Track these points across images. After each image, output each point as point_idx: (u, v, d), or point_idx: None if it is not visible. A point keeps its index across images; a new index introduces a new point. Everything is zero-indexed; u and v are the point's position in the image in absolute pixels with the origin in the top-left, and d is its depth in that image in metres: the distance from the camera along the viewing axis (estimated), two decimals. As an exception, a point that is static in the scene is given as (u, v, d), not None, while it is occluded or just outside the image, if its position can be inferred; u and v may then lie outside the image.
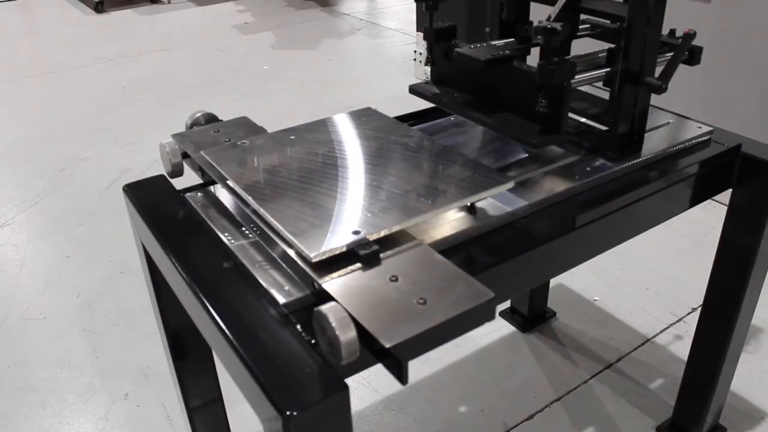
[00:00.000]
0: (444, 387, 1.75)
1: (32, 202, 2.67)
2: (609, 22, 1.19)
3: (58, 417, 1.69)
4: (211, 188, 1.09)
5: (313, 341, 0.76)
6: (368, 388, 1.73)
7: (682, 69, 1.10)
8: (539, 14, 1.07)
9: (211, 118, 1.21)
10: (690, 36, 1.08)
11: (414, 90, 1.27)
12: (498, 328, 1.95)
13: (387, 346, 0.69)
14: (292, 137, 1.10)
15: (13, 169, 2.96)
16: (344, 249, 0.82)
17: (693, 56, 1.14)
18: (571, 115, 1.16)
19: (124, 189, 1.08)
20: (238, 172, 0.99)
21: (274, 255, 0.90)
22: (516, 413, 1.67)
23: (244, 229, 0.97)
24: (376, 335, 0.70)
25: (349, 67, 4.01)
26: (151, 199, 1.05)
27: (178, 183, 1.09)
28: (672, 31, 1.15)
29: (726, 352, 1.39)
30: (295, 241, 0.83)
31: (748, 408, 1.66)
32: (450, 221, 0.96)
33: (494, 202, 0.99)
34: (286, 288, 0.84)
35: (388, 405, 1.69)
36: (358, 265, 0.82)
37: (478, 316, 0.75)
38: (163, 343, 1.22)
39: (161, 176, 1.11)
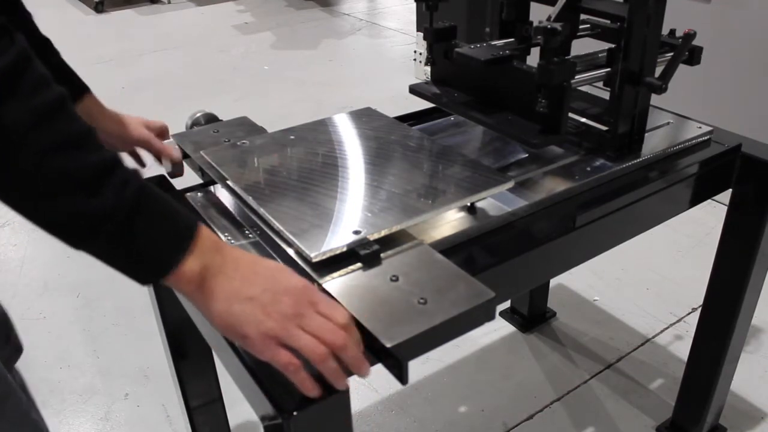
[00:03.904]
0: (444, 387, 1.75)
1: (32, 202, 2.66)
2: (609, 22, 1.19)
3: (58, 417, 1.69)
4: (211, 188, 1.09)
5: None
6: (368, 388, 1.73)
7: (682, 69, 1.10)
8: (539, 14, 1.07)
9: (211, 118, 1.21)
10: (690, 36, 1.08)
11: (414, 90, 1.27)
12: (498, 328, 1.95)
13: (388, 345, 0.69)
14: (292, 137, 1.10)
15: (13, 169, 2.95)
16: (345, 249, 0.82)
17: (693, 56, 1.14)
18: (571, 115, 1.16)
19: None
20: (238, 172, 0.99)
21: (275, 255, 0.89)
22: (516, 413, 1.67)
23: (244, 229, 0.97)
24: (377, 335, 0.70)
25: (349, 67, 4.01)
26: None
27: (178, 183, 1.09)
28: (672, 31, 1.15)
29: (726, 352, 1.39)
30: (296, 241, 0.83)
31: (748, 408, 1.66)
32: (450, 221, 0.96)
33: (494, 202, 0.99)
34: (287, 288, 0.84)
35: (388, 405, 1.69)
36: (359, 264, 0.82)
37: (479, 316, 0.75)
38: (163, 343, 1.22)
39: (161, 176, 1.11)
